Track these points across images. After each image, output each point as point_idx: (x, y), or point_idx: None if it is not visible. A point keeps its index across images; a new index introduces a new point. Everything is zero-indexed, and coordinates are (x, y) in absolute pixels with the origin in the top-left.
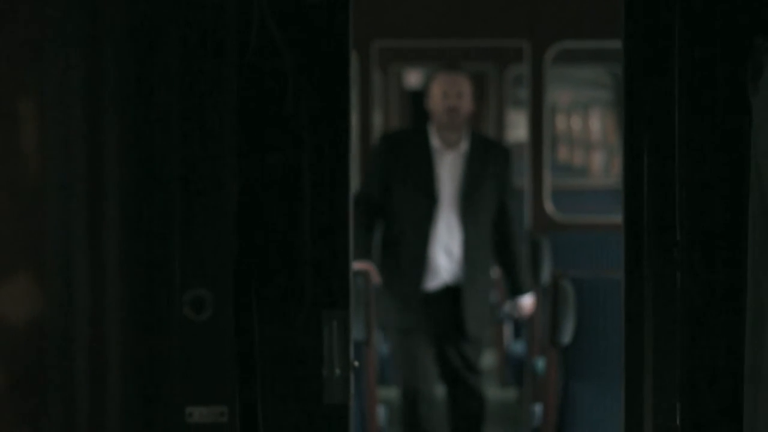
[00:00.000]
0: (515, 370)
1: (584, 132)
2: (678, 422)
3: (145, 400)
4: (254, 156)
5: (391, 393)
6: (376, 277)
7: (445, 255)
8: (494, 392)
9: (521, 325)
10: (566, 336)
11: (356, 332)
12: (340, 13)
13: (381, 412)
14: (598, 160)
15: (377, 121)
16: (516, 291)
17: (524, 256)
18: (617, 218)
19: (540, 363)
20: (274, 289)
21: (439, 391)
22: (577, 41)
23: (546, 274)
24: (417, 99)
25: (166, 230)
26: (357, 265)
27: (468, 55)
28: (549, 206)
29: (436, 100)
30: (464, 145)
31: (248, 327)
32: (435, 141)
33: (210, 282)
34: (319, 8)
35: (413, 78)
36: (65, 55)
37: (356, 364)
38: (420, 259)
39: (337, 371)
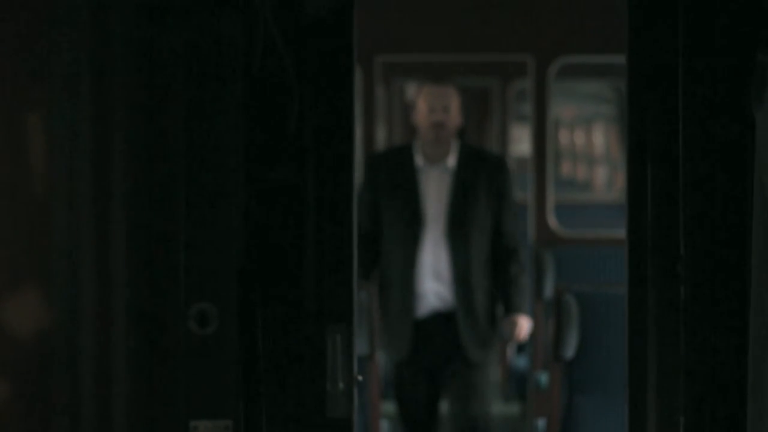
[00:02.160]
0: (518, 385)
1: (587, 146)
2: None
3: (150, 413)
4: (259, 170)
5: (394, 407)
6: None
7: (433, 279)
8: (497, 407)
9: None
10: (569, 350)
11: (359, 346)
12: (343, 28)
13: (384, 426)
14: (601, 174)
15: (381, 135)
16: (508, 310)
17: (527, 278)
18: (621, 233)
19: (543, 377)
20: (278, 303)
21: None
22: (580, 56)
23: (549, 288)
24: None
25: (171, 244)
26: None
27: (471, 69)
28: (552, 221)
29: (421, 115)
30: (452, 160)
31: (252, 341)
32: (419, 158)
33: (214, 296)
34: (323, 23)
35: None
36: (72, 67)
37: (360, 378)
38: (407, 287)
39: (341, 385)
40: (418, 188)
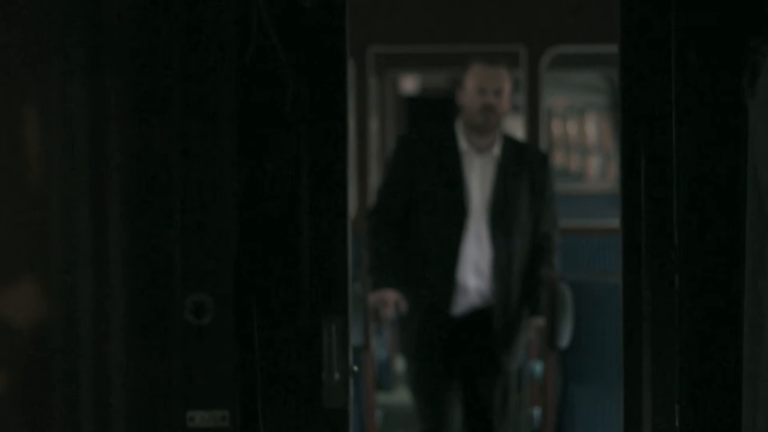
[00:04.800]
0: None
1: (580, 137)
2: (677, 424)
3: (147, 404)
4: (253, 161)
5: (389, 398)
6: (403, 305)
7: (474, 274)
8: None
9: None
10: (564, 339)
11: (354, 337)
12: (336, 19)
13: (379, 417)
14: (594, 165)
15: (373, 126)
16: (534, 312)
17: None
18: (614, 222)
19: (538, 366)
20: (273, 294)
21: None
22: (572, 46)
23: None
24: (413, 104)
25: (167, 235)
26: (383, 295)
27: (463, 60)
28: None
29: (469, 96)
30: (496, 149)
31: (248, 331)
32: (463, 143)
33: (211, 287)
34: (316, 14)
35: (409, 83)
36: (67, 63)
37: (355, 368)
38: (448, 280)
39: (337, 375)
40: (462, 175)
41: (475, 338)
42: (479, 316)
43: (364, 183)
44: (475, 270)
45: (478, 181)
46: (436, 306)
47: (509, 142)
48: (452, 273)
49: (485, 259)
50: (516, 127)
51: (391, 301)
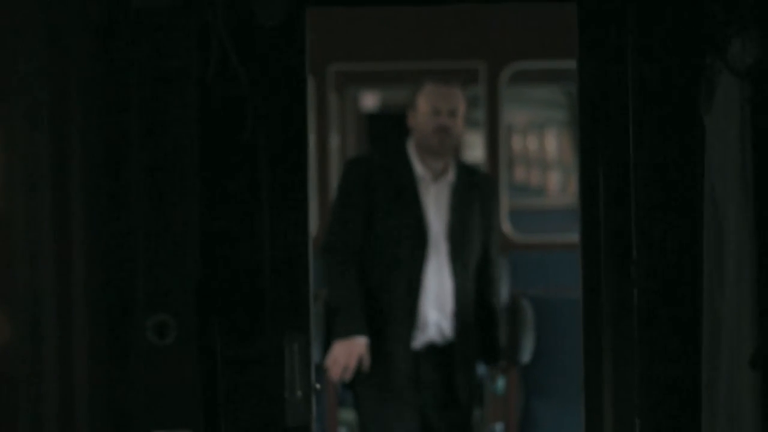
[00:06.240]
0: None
1: (540, 152)
2: None
3: (111, 424)
4: (214, 181)
5: (351, 415)
6: (366, 362)
7: (435, 308)
8: None
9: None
10: (526, 355)
11: (315, 355)
12: (296, 38)
13: None
14: (554, 179)
15: (334, 143)
16: (494, 356)
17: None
18: (575, 237)
19: (500, 382)
20: (236, 313)
21: None
22: (532, 62)
23: (504, 293)
24: (373, 121)
25: (129, 257)
26: (351, 348)
27: (423, 76)
28: (506, 226)
29: (423, 117)
30: (451, 175)
31: (211, 351)
32: (419, 168)
33: (173, 307)
34: (276, 33)
35: (369, 100)
36: (31, 86)
37: (317, 386)
38: (408, 315)
39: (299, 393)
40: (420, 202)
41: (435, 375)
42: (438, 352)
43: (324, 200)
44: (436, 303)
45: (435, 208)
46: (398, 344)
47: (462, 167)
48: (414, 309)
49: (446, 292)
50: (476, 143)
51: (354, 357)
